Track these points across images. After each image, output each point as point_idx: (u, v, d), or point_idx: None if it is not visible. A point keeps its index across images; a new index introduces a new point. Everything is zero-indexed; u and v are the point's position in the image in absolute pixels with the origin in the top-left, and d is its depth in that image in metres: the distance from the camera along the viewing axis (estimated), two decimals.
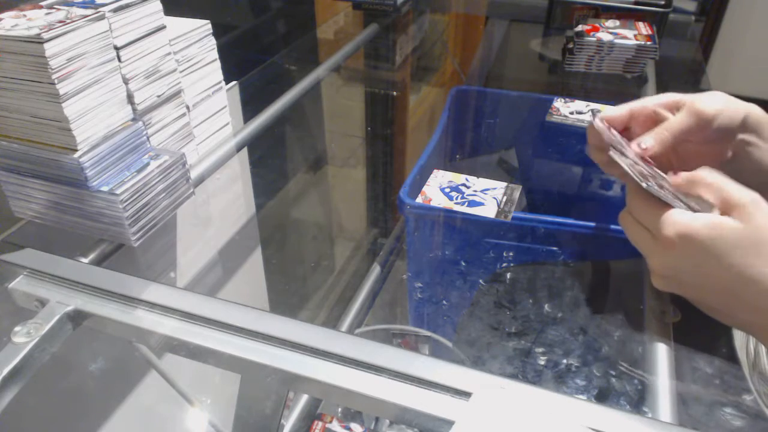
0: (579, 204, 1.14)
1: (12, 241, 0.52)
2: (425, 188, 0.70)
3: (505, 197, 0.67)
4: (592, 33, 0.97)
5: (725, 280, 0.43)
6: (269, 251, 1.00)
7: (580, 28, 0.98)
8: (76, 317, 0.46)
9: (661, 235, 0.45)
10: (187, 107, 0.62)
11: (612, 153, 0.49)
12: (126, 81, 0.52)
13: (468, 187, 0.69)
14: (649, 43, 0.95)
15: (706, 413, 0.60)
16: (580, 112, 0.87)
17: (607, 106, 0.86)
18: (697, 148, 0.54)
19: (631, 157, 0.50)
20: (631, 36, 0.96)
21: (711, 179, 0.45)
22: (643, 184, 0.46)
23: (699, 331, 0.65)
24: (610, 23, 1.00)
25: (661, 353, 0.48)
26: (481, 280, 0.88)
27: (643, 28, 0.99)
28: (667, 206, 0.45)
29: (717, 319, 0.47)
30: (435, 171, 0.73)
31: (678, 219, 0.44)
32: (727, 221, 0.43)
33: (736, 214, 0.43)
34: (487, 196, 0.68)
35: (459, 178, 0.71)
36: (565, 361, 0.76)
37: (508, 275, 0.87)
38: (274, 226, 1.18)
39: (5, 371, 0.41)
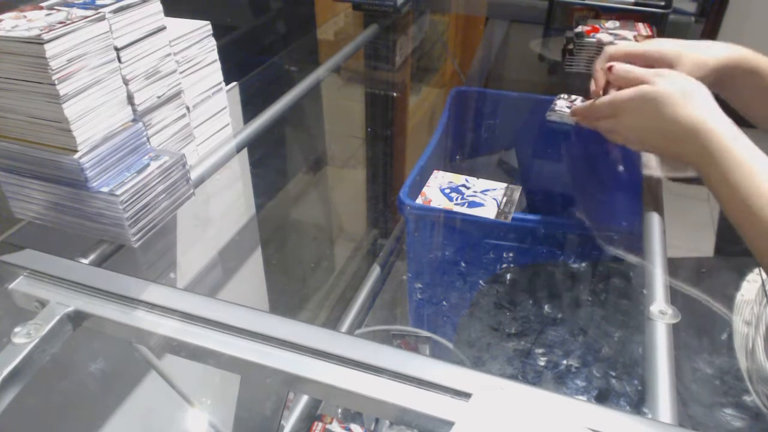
0: (579, 204, 1.14)
1: (12, 241, 0.52)
2: (425, 189, 0.70)
3: (505, 198, 0.67)
4: (591, 34, 0.97)
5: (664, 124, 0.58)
6: (269, 252, 1.00)
7: (579, 29, 0.98)
8: (76, 318, 0.46)
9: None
10: (188, 108, 0.62)
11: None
12: (126, 82, 0.52)
13: (468, 188, 0.69)
14: None
15: (706, 413, 0.60)
16: None
17: None
18: None
19: None
20: (630, 37, 0.96)
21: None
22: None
23: (699, 331, 0.65)
24: (609, 24, 1.00)
25: (661, 353, 0.47)
26: (481, 281, 0.88)
27: (643, 29, 0.99)
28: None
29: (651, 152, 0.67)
30: (435, 172, 0.73)
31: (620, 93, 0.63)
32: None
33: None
34: (487, 197, 0.68)
35: (459, 179, 0.71)
36: (564, 361, 0.77)
37: (508, 276, 0.87)
38: (274, 227, 1.19)
39: (5, 372, 0.41)
